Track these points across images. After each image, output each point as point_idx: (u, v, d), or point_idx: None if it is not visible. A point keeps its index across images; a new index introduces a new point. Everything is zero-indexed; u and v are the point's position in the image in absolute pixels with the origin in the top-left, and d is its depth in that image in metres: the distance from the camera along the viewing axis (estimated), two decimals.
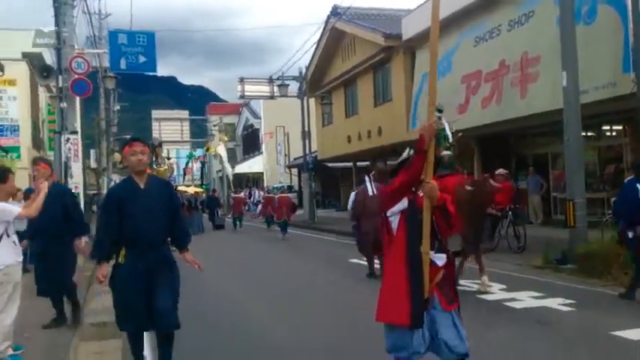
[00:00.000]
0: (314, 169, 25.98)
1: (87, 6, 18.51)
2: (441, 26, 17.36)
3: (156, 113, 57.30)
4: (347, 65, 24.74)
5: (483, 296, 7.70)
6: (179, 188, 23.87)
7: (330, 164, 31.08)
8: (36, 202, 5.20)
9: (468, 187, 7.97)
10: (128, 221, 4.32)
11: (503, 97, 14.54)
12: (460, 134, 9.99)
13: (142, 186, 4.43)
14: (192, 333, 5.76)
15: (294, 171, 38.66)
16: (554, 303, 7.12)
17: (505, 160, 16.21)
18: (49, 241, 6.28)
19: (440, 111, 9.28)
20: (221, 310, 7.65)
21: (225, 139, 49.43)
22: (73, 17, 11.61)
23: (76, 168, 11.14)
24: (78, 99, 11.82)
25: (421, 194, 3.48)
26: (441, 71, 17.71)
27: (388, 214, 3.55)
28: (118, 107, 37.86)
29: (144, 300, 4.30)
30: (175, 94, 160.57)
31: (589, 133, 14.37)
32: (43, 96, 28.88)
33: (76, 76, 11.00)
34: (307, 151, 24.93)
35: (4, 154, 18.91)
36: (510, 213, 11.78)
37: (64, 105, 10.92)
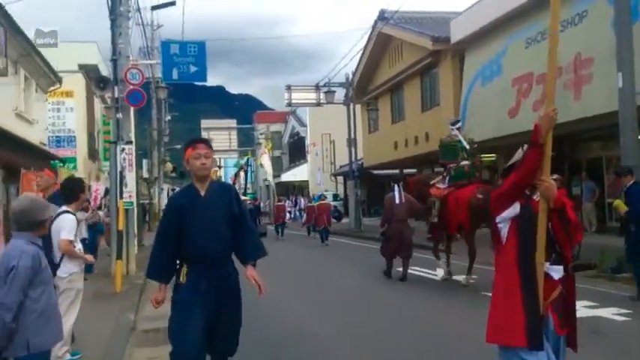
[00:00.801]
0: (360, 177, 25.91)
1: (141, 18, 18.98)
2: (490, 28, 17.26)
3: (205, 123, 58.36)
4: (394, 70, 24.63)
5: None
6: None
7: (376, 171, 30.92)
8: (77, 255, 5.27)
9: (480, 195, 8.71)
10: (188, 235, 3.87)
11: (556, 100, 14.09)
12: (475, 145, 10.41)
13: (202, 193, 3.94)
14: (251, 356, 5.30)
15: (340, 179, 38.69)
16: (609, 313, 6.92)
17: (558, 165, 15.74)
18: None
19: (456, 122, 9.98)
20: (283, 330, 7.01)
21: (269, 147, 50.00)
22: (129, 29, 11.98)
23: (130, 178, 11.43)
24: (132, 109, 12.13)
25: (536, 198, 3.12)
26: (489, 75, 17.46)
27: (497, 221, 3.17)
28: (169, 117, 38.80)
29: (204, 328, 3.84)
30: (223, 102, 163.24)
31: None
32: (98, 107, 29.87)
33: (131, 87, 11.32)
34: (353, 159, 24.88)
35: (61, 164, 19.55)
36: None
37: (119, 115, 11.25)
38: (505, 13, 16.06)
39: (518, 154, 3.34)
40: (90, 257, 5.56)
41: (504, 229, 3.14)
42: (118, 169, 11.22)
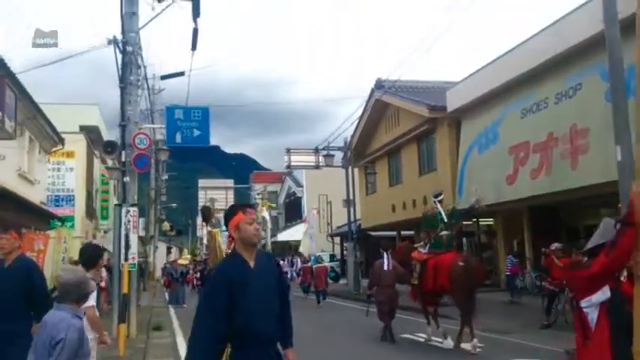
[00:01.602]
0: (357, 238, 25.97)
1: (147, 85, 19.48)
2: (487, 98, 17.80)
3: (202, 182, 58.90)
4: (391, 135, 25.15)
5: None
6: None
7: (373, 233, 31.00)
8: (99, 326, 5.20)
9: (461, 263, 9.56)
10: (240, 312, 3.24)
11: (554, 169, 14.50)
12: (451, 207, 11.75)
13: (251, 264, 3.41)
14: None
15: (337, 239, 38.66)
16: None
17: (555, 231, 15.98)
18: (5, 318, 5.13)
19: (438, 195, 11.00)
20: None
21: (268, 204, 50.14)
22: (138, 97, 12.31)
23: (133, 239, 11.47)
24: (136, 173, 12.31)
25: (623, 279, 2.95)
26: (485, 143, 17.89)
27: (583, 305, 2.92)
28: (166, 177, 39.08)
29: None
30: (218, 162, 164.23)
31: None
32: (97, 167, 30.13)
33: (138, 152, 11.53)
34: (352, 219, 25.01)
35: (60, 223, 19.56)
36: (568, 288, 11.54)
37: (127, 179, 11.40)
38: (501, 84, 16.64)
39: (604, 231, 3.11)
40: (107, 337, 5.45)
41: (592, 313, 2.90)
42: (123, 231, 11.28)
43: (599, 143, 12.68)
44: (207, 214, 16.93)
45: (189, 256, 40.89)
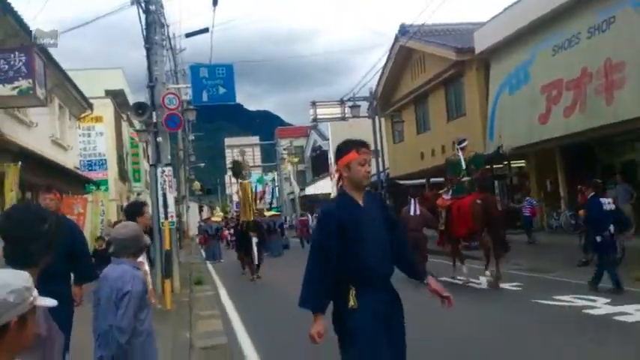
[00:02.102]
0: (386, 188, 25.98)
1: (171, 45, 19.41)
2: (516, 37, 17.35)
3: (228, 140, 59.16)
4: (416, 82, 24.75)
5: (589, 311, 7.51)
6: (265, 212, 24.62)
7: (402, 182, 30.95)
8: (148, 280, 5.31)
9: (479, 201, 10.38)
10: (353, 253, 3.19)
11: (588, 105, 14.18)
12: (473, 153, 11.88)
13: (361, 204, 3.33)
14: None
15: None
16: None
17: (590, 169, 15.74)
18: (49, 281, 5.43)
19: (462, 142, 11.25)
20: None
21: (295, 160, 50.31)
22: (163, 57, 12.29)
23: (170, 198, 11.68)
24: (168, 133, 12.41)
25: None
26: (516, 83, 17.52)
27: None
28: (192, 137, 39.36)
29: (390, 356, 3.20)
30: (242, 120, 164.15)
31: None
32: (125, 130, 30.45)
33: (169, 112, 11.59)
34: (380, 169, 24.95)
35: (95, 187, 19.98)
36: None
37: (160, 139, 11.52)
38: (530, 22, 16.15)
39: None
40: (154, 296, 5.57)
41: None
42: (159, 190, 11.47)
43: (635, 77, 12.32)
44: (238, 168, 17.10)
45: (221, 214, 41.56)
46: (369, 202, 3.39)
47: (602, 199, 9.18)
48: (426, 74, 23.78)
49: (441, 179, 24.42)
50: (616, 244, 9.39)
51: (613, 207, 9.20)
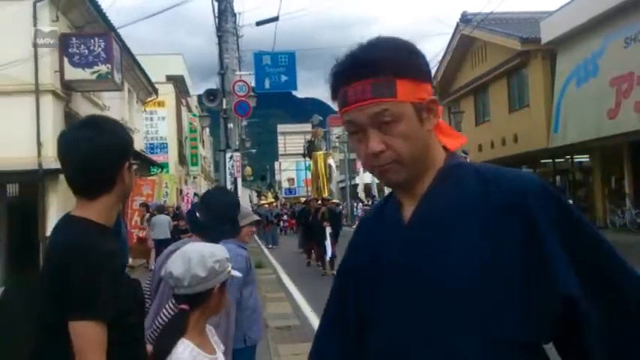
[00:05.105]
0: None
1: (236, 33, 19.75)
2: (586, 28, 16.93)
3: (281, 127, 59.79)
4: (477, 72, 24.39)
5: None
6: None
7: None
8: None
9: None
10: (376, 322, 1.22)
11: (630, 110, 13.75)
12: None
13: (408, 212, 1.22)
14: None
15: None
16: None
17: None
18: None
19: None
20: None
21: (329, 154, 50.29)
22: (234, 44, 12.58)
23: (239, 183, 12.04)
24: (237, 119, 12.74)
25: None
26: (584, 75, 17.09)
27: None
28: (245, 123, 39.99)
29: None
30: (290, 107, 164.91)
31: None
32: (185, 115, 31.23)
33: (239, 99, 11.91)
34: None
35: (159, 170, 20.62)
36: None
37: (230, 125, 11.87)
38: (601, 13, 15.70)
39: None
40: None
41: None
42: (227, 175, 11.82)
43: None
44: (311, 148, 17.24)
45: (272, 199, 42.27)
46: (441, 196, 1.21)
47: None
48: (487, 64, 23.40)
49: None
50: None
51: None
